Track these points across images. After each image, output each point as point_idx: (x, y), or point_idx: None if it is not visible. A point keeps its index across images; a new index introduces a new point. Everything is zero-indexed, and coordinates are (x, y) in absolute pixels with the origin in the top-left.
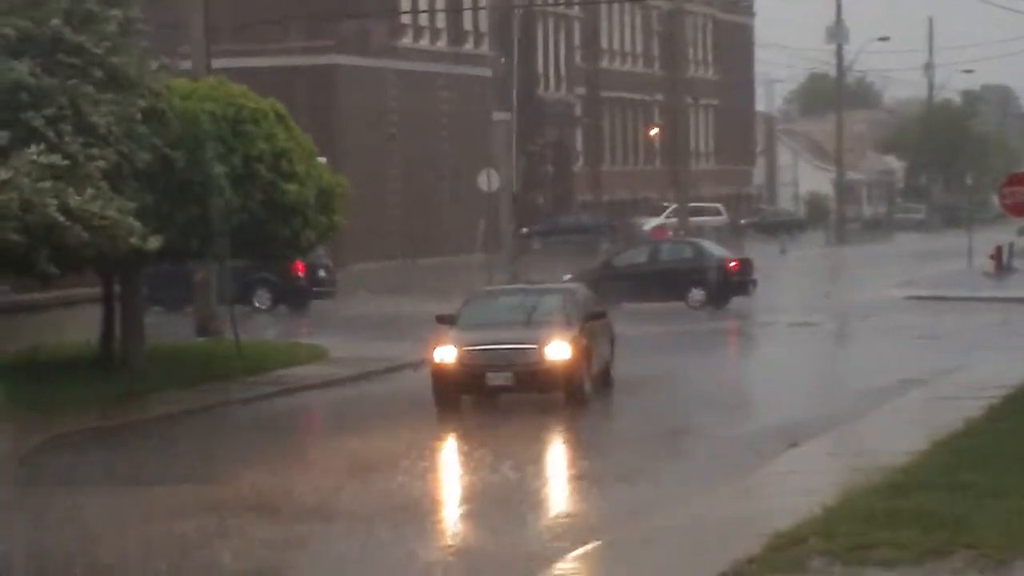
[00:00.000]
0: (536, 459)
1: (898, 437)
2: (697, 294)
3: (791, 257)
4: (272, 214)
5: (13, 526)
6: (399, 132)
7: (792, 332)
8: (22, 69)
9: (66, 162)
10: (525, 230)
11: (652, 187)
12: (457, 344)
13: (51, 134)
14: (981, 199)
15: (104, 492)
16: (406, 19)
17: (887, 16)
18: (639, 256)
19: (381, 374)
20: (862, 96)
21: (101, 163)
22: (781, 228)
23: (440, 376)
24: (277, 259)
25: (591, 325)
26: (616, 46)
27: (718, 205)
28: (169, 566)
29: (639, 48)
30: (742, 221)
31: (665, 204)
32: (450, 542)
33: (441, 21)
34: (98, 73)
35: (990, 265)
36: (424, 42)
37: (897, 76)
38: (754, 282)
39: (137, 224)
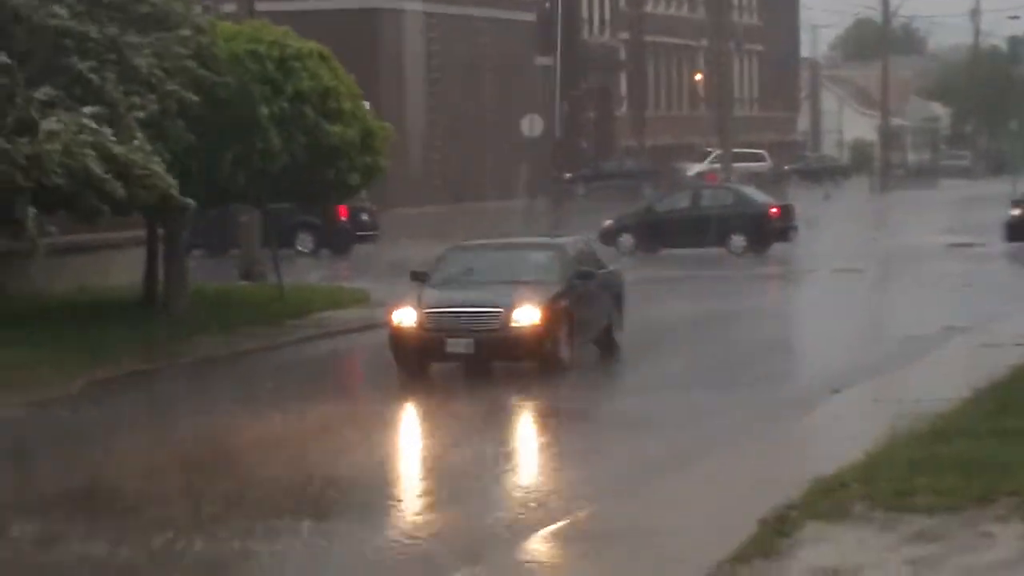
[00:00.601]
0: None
1: (941, 384)
2: (738, 240)
3: (834, 203)
4: (316, 156)
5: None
6: (442, 77)
7: (834, 279)
8: (62, 14)
9: (108, 110)
10: (568, 175)
11: (696, 133)
12: (416, 306)
13: (95, 80)
14: None
15: (143, 431)
16: None
17: None
18: (681, 202)
19: None
20: (907, 42)
21: (141, 113)
22: (825, 174)
23: (397, 341)
24: (321, 202)
25: (579, 285)
26: None
27: (762, 151)
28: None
29: None
30: (786, 167)
31: (708, 150)
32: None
33: None
34: (144, 9)
35: None
36: None
37: (943, 22)
38: (795, 228)
39: (176, 179)
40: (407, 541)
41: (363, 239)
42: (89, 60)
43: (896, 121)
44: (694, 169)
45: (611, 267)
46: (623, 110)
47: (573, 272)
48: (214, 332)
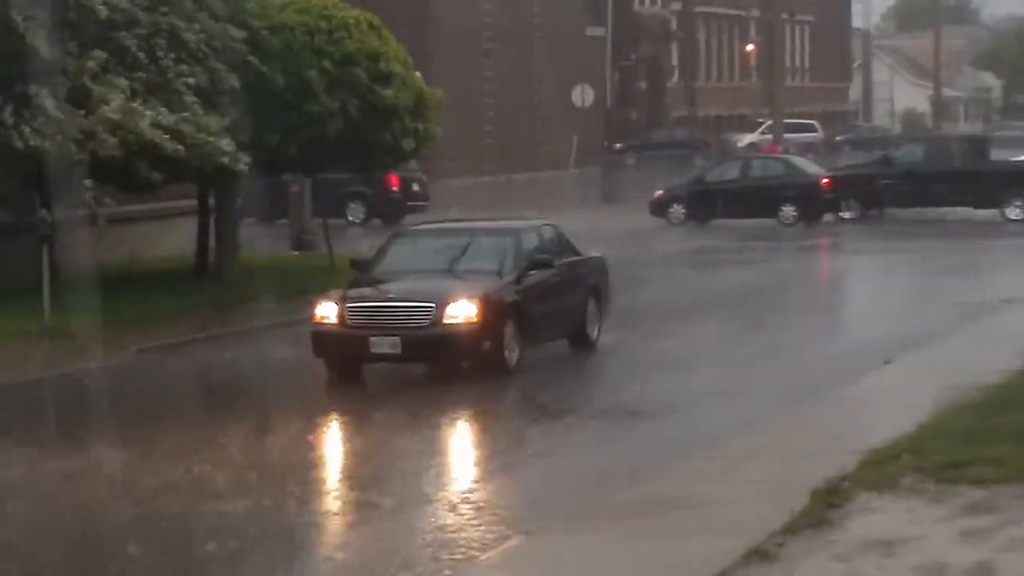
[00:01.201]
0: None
1: (994, 355)
2: (788, 211)
3: None
4: (370, 119)
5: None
6: (494, 48)
7: (886, 249)
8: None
9: (159, 79)
10: (619, 145)
11: (747, 103)
12: (340, 299)
13: (142, 54)
14: None
15: (194, 399)
16: None
17: None
18: (731, 172)
19: None
20: (960, 12)
21: (191, 80)
22: (876, 144)
23: (318, 338)
24: (375, 169)
25: (535, 276)
26: None
27: (813, 122)
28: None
29: None
30: (837, 138)
31: (760, 120)
32: None
33: None
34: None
35: None
36: None
37: None
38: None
39: (229, 145)
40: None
41: (414, 209)
42: (138, 32)
43: (948, 92)
44: (745, 140)
45: (591, 253)
46: (674, 81)
47: (529, 261)
48: (265, 301)
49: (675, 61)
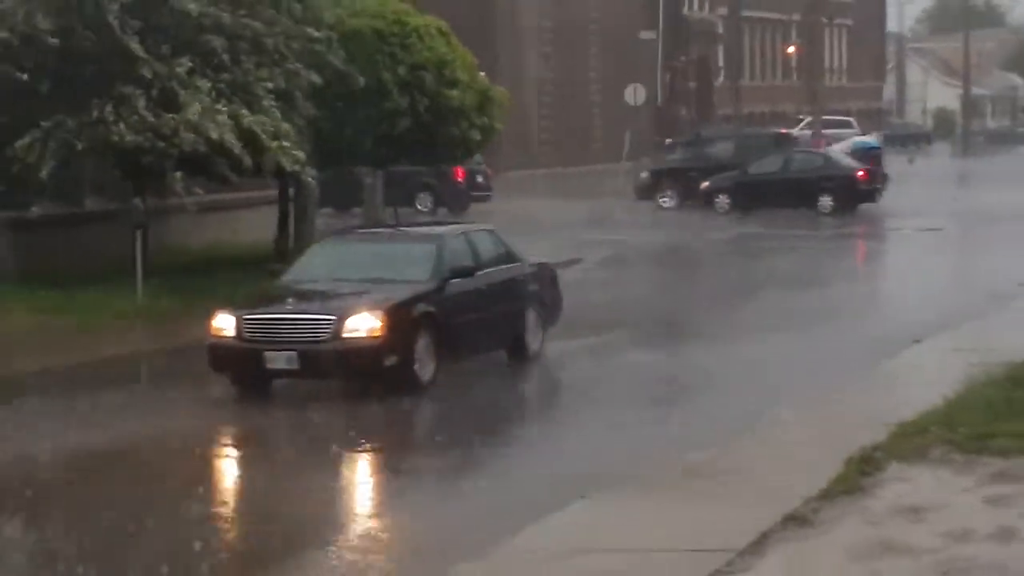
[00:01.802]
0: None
1: (1019, 335)
2: (826, 201)
3: (919, 167)
4: (438, 117)
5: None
6: (553, 50)
7: (918, 236)
8: (193, 8)
9: (242, 80)
10: (669, 140)
11: (789, 101)
12: (237, 311)
13: (226, 56)
14: None
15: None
16: None
17: None
18: (772, 165)
19: None
20: (990, 16)
21: (270, 84)
22: (909, 140)
23: (214, 352)
24: (443, 161)
25: (461, 285)
26: None
27: (850, 119)
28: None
29: None
30: (872, 134)
31: (800, 117)
32: None
33: None
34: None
35: None
36: None
37: None
38: (879, 190)
39: (300, 154)
40: None
41: (478, 199)
42: (223, 37)
43: (977, 91)
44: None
45: (534, 260)
46: (720, 80)
47: (451, 268)
48: None
49: (721, 62)
